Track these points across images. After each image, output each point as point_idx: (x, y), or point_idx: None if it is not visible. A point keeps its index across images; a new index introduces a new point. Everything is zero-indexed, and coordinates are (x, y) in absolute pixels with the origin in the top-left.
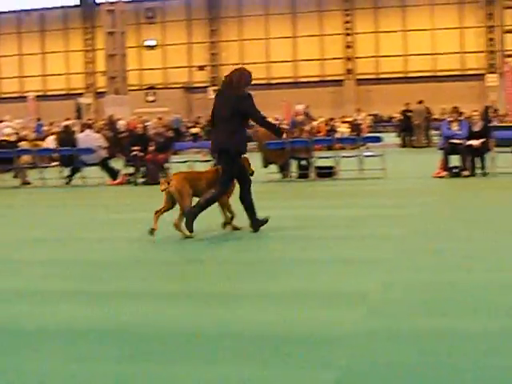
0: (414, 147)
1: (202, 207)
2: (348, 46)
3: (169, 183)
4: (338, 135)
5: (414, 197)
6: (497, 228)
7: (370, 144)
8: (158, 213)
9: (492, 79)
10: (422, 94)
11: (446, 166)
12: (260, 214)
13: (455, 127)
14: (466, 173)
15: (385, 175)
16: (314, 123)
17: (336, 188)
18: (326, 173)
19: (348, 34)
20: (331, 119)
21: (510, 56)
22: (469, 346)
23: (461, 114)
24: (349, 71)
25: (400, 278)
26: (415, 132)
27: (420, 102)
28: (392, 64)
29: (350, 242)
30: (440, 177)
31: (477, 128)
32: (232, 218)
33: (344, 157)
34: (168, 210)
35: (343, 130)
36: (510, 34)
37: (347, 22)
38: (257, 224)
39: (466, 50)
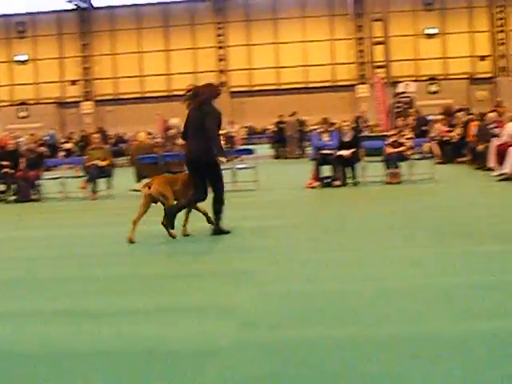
0: (288, 158)
1: (181, 207)
2: (221, 59)
3: (149, 187)
4: None
5: (285, 208)
6: (367, 237)
7: (243, 156)
8: (136, 221)
9: (362, 90)
10: (295, 106)
11: (317, 177)
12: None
13: (326, 138)
14: (337, 182)
15: (258, 187)
16: None
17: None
18: None
19: (220, 47)
20: None
21: (379, 67)
22: (340, 354)
23: (332, 124)
24: (222, 84)
25: (271, 288)
26: (288, 143)
27: (292, 114)
28: (265, 76)
29: (218, 255)
30: (312, 187)
31: (347, 138)
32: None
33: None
34: (144, 214)
35: None
36: (379, 45)
37: (220, 35)
38: (219, 231)
39: (337, 62)
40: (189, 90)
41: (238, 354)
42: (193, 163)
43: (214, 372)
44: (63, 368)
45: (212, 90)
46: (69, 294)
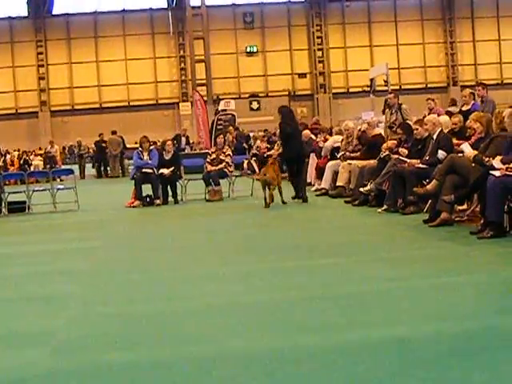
0: (109, 177)
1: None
2: (41, 78)
3: (265, 175)
4: (32, 168)
5: (105, 228)
6: (188, 254)
7: (64, 176)
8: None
9: (185, 108)
10: (118, 124)
11: (138, 196)
12: None
13: (146, 156)
14: (158, 201)
15: (78, 207)
16: (8, 156)
17: (29, 223)
18: (19, 208)
19: (41, 66)
20: (24, 152)
21: (200, 85)
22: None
23: (154, 143)
24: (43, 103)
25: (87, 312)
26: (110, 162)
27: (114, 133)
28: (86, 94)
29: (35, 278)
30: (133, 206)
31: (167, 156)
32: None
33: (36, 190)
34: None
35: (37, 162)
36: (201, 63)
37: (40, 54)
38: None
39: (160, 80)
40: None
41: (53, 381)
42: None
43: None
44: None
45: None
46: None
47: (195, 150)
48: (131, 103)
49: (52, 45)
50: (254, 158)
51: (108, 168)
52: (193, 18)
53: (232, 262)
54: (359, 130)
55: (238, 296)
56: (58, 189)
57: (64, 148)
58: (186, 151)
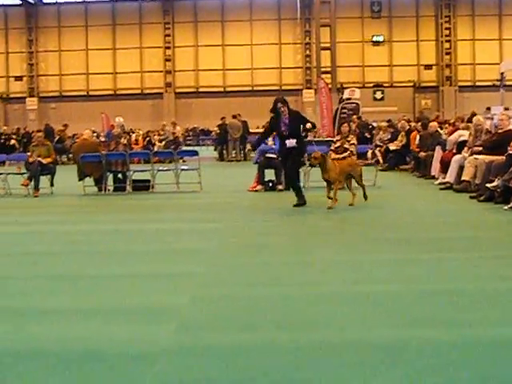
0: (231, 161)
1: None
2: (167, 59)
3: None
4: (156, 148)
5: (227, 210)
6: (301, 242)
7: (187, 157)
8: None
9: (308, 95)
10: (240, 108)
11: (261, 180)
12: (69, 228)
13: (270, 142)
14: (280, 187)
15: (201, 189)
16: (133, 135)
17: (152, 202)
18: (143, 186)
19: (167, 48)
20: (148, 132)
21: (325, 73)
22: (280, 360)
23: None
24: (168, 84)
25: (211, 292)
26: (232, 146)
27: (235, 116)
28: (211, 78)
29: (161, 256)
30: (255, 190)
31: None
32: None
33: (160, 170)
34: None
35: (158, 144)
36: (326, 51)
37: (167, 36)
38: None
39: (284, 66)
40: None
41: (176, 358)
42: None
43: (153, 376)
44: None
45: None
46: (5, 292)
47: (316, 137)
48: (255, 88)
49: (179, 28)
50: (378, 149)
51: (230, 151)
52: (321, 5)
53: (354, 250)
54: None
55: (358, 285)
56: (182, 169)
57: (187, 129)
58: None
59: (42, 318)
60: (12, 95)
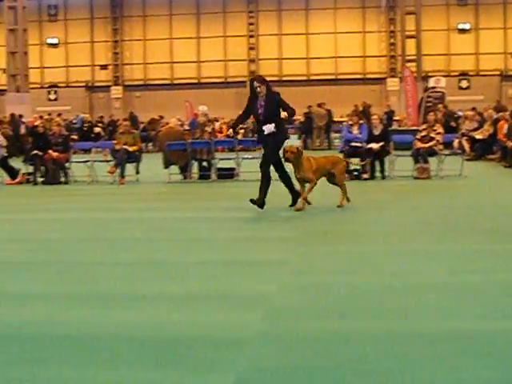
0: (315, 150)
1: None
2: (251, 48)
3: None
4: (239, 137)
5: (312, 199)
6: (394, 231)
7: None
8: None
9: (392, 83)
10: (324, 97)
11: (346, 169)
12: (155, 215)
13: (356, 130)
14: (365, 175)
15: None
16: (217, 124)
17: (236, 190)
18: (227, 174)
19: (251, 36)
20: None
21: (410, 61)
22: (370, 347)
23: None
24: (252, 73)
25: (300, 280)
26: (316, 134)
27: (320, 105)
28: (294, 66)
29: (249, 244)
30: None
31: (377, 132)
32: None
33: (245, 158)
34: None
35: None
36: (411, 39)
37: (251, 24)
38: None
39: (368, 54)
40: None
41: (265, 344)
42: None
43: (243, 362)
44: (87, 350)
45: None
46: (95, 278)
47: (401, 126)
48: (338, 76)
49: (263, 16)
50: (465, 138)
51: (314, 139)
52: None
53: (442, 240)
54: None
55: (457, 275)
56: None
57: None
58: (393, 127)
59: (131, 304)
60: (97, 84)
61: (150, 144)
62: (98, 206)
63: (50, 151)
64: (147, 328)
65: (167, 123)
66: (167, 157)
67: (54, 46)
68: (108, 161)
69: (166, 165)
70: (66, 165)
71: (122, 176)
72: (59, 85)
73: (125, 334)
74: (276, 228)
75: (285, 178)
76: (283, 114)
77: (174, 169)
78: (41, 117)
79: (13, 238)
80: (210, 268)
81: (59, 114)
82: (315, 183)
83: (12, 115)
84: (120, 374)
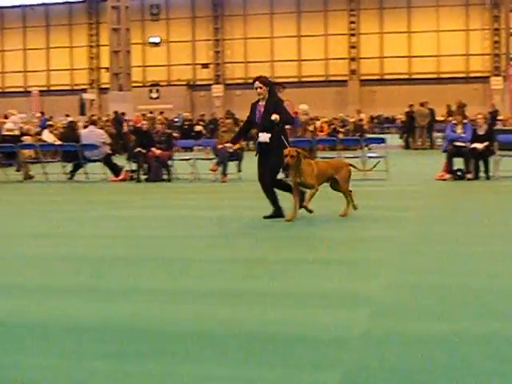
0: (417, 149)
1: None
2: (352, 47)
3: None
4: (340, 136)
5: (416, 199)
6: (498, 232)
7: (371, 145)
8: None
9: (496, 82)
10: (426, 96)
11: (449, 169)
12: (256, 213)
13: (459, 130)
14: (469, 176)
15: (388, 177)
16: (317, 123)
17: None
18: None
19: (352, 35)
20: (334, 119)
21: None
22: (473, 350)
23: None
24: (353, 72)
25: (403, 280)
26: (418, 134)
27: (422, 104)
28: (396, 65)
29: (352, 244)
30: (443, 179)
31: (481, 131)
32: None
33: (347, 157)
34: None
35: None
36: None
37: (352, 23)
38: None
39: (471, 53)
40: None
41: (370, 343)
42: None
43: (349, 360)
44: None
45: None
46: (189, 274)
47: (506, 125)
48: (441, 75)
49: (364, 14)
50: None
51: (416, 139)
52: None
53: None
54: None
55: None
56: (369, 157)
57: (372, 117)
58: (498, 127)
59: (237, 301)
60: (198, 82)
61: (252, 142)
62: (199, 203)
63: (154, 149)
64: (255, 325)
65: None
66: None
67: (156, 44)
68: (210, 159)
69: None
70: (169, 162)
71: (224, 174)
72: (161, 83)
73: (233, 332)
74: (376, 227)
75: (270, 190)
76: (274, 116)
77: None
78: (143, 115)
79: (114, 235)
80: (312, 266)
81: (161, 113)
82: (317, 189)
83: (115, 113)
84: (230, 372)
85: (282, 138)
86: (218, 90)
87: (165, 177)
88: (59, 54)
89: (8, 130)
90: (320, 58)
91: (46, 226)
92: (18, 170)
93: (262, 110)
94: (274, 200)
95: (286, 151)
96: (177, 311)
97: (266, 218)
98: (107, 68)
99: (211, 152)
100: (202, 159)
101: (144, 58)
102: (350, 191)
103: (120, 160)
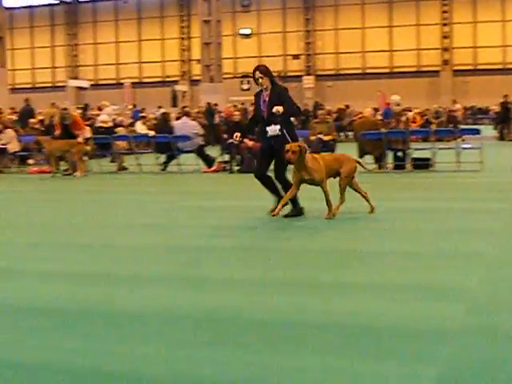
0: (510, 140)
1: None
2: (445, 37)
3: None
4: (433, 127)
5: (511, 190)
6: None
7: (465, 136)
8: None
9: None
10: None
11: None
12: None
13: None
14: None
15: (482, 168)
16: (410, 114)
17: (432, 180)
18: (423, 164)
19: (445, 24)
20: (427, 110)
21: None
22: None
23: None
24: (445, 62)
25: (500, 274)
26: None
27: None
28: (490, 55)
29: (447, 236)
30: None
31: None
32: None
33: (441, 149)
34: None
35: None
36: None
37: (444, 12)
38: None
39: None
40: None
41: (468, 337)
42: None
43: (448, 353)
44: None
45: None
46: (286, 264)
47: None
48: None
49: (457, 4)
50: None
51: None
52: None
53: None
54: None
55: None
56: (464, 148)
57: (465, 108)
58: None
59: (327, 292)
60: (289, 73)
61: (342, 133)
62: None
63: (246, 140)
64: (352, 317)
65: (360, 113)
66: (362, 146)
67: (247, 36)
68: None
69: (361, 154)
70: None
71: None
72: (251, 75)
73: (330, 322)
74: (472, 219)
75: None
76: (275, 109)
77: (369, 158)
78: (234, 106)
79: (209, 224)
80: (406, 258)
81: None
82: (326, 190)
83: (208, 104)
84: (326, 363)
85: (284, 131)
86: (308, 81)
87: None
88: (151, 47)
89: (102, 122)
90: (412, 49)
91: (143, 217)
92: (112, 161)
93: (267, 100)
94: (275, 191)
95: (287, 146)
96: (272, 301)
97: (285, 216)
98: (198, 60)
99: (304, 143)
100: None
101: (235, 49)
102: (366, 192)
103: (212, 151)
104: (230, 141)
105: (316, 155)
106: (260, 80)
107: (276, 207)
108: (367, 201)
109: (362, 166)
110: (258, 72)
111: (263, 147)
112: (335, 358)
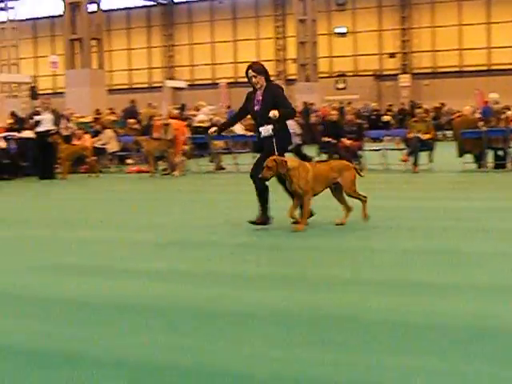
0: None
1: None
2: None
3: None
4: None
5: None
6: None
7: None
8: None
9: None
10: None
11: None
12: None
13: None
14: None
15: None
16: (509, 112)
17: None
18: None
19: None
20: None
21: None
22: None
23: None
24: None
25: None
26: None
27: None
28: None
29: None
30: None
31: None
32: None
33: None
34: None
35: None
36: None
37: None
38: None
39: None
40: None
41: None
42: None
43: None
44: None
45: None
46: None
47: None
48: None
49: None
50: None
51: None
52: None
53: None
54: None
55: None
56: None
57: None
58: None
59: (402, 291)
60: (385, 72)
61: (439, 132)
62: (389, 194)
63: (344, 139)
64: (454, 318)
65: (459, 111)
66: (462, 145)
67: (343, 35)
68: (401, 149)
69: (461, 153)
70: (359, 152)
71: (415, 164)
72: (347, 74)
73: (433, 323)
74: None
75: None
76: (272, 113)
77: (468, 157)
78: (332, 106)
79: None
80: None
81: (349, 103)
82: (311, 196)
83: (304, 104)
84: (429, 363)
85: (273, 140)
86: (405, 79)
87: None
88: (246, 47)
89: (200, 122)
90: (511, 46)
91: (240, 215)
92: (210, 161)
93: (261, 99)
94: (262, 202)
95: (266, 162)
96: (381, 302)
97: (250, 222)
98: (294, 59)
99: (401, 142)
100: (393, 149)
101: (330, 48)
102: (365, 197)
103: (309, 151)
104: (327, 140)
105: (308, 165)
106: (254, 79)
107: (259, 216)
108: (347, 211)
109: (359, 174)
110: (251, 70)
111: (257, 147)
112: (439, 360)
